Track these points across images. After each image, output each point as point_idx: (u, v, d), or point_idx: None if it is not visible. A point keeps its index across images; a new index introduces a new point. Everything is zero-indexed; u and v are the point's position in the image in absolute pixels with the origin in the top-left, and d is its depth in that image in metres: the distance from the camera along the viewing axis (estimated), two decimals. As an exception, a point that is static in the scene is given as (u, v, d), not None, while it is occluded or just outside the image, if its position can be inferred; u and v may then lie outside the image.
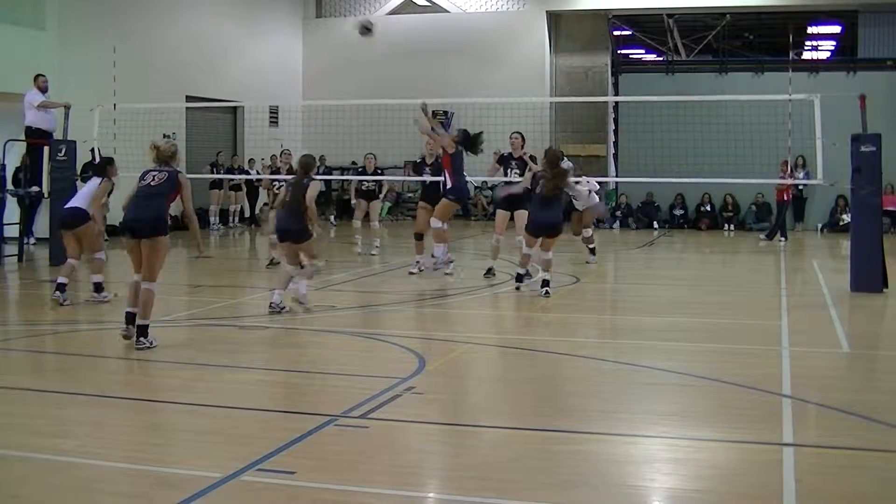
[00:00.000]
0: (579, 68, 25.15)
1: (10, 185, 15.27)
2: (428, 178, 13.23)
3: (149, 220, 7.78)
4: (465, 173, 12.01)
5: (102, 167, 10.56)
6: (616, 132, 24.94)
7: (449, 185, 11.73)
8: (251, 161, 22.67)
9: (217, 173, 21.05)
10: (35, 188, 15.02)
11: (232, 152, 23.26)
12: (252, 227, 22.10)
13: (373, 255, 15.08)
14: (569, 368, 7.45)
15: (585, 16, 24.94)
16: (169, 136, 16.10)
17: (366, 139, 20.31)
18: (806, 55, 28.20)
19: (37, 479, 4.67)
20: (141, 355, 7.54)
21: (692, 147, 19.20)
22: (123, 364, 7.51)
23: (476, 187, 23.86)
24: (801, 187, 21.44)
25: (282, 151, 15.28)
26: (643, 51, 28.86)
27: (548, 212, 10.90)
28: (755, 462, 5.01)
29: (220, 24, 23.15)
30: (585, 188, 14.59)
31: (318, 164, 10.36)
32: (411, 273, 12.74)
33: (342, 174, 22.65)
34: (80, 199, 10.35)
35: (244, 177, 21.55)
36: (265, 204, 18.05)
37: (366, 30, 20.36)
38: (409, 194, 25.17)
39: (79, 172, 14.84)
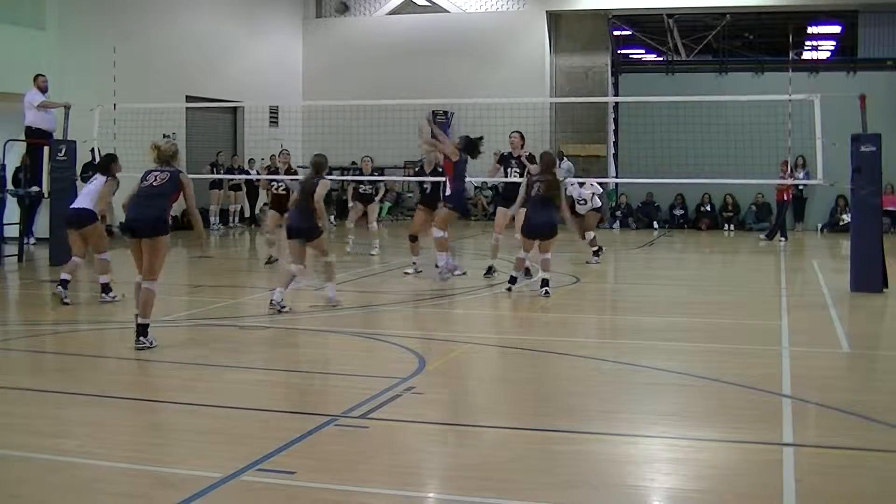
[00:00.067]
0: (579, 68, 25.15)
1: (10, 185, 15.28)
2: (427, 178, 13.24)
3: (150, 220, 7.79)
4: (466, 178, 11.98)
5: (106, 165, 10.53)
6: (616, 132, 24.93)
7: (448, 191, 11.70)
8: (251, 161, 22.67)
9: (217, 173, 21.05)
10: (35, 188, 15.02)
11: (232, 152, 23.26)
12: (252, 227, 22.10)
13: (372, 255, 15.08)
14: (569, 368, 7.45)
15: (585, 16, 24.94)
16: (169, 136, 16.10)
17: (366, 139, 20.30)
18: (806, 55, 28.21)
19: (37, 479, 4.67)
20: (141, 355, 7.54)
21: (692, 147, 19.19)
22: (123, 364, 7.51)
23: (476, 187, 23.86)
24: (801, 187, 21.42)
25: (280, 151, 15.28)
26: (643, 51, 28.86)
27: (542, 214, 10.90)
28: (755, 462, 5.01)
29: (220, 24, 23.15)
30: (589, 191, 14.61)
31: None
32: (406, 273, 12.74)
33: (342, 174, 22.65)
34: (86, 198, 10.31)
35: (244, 177, 21.54)
36: (265, 204, 18.06)
37: (344, 7, 20.32)
38: (409, 194, 25.17)
39: (79, 172, 14.84)
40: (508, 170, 12.72)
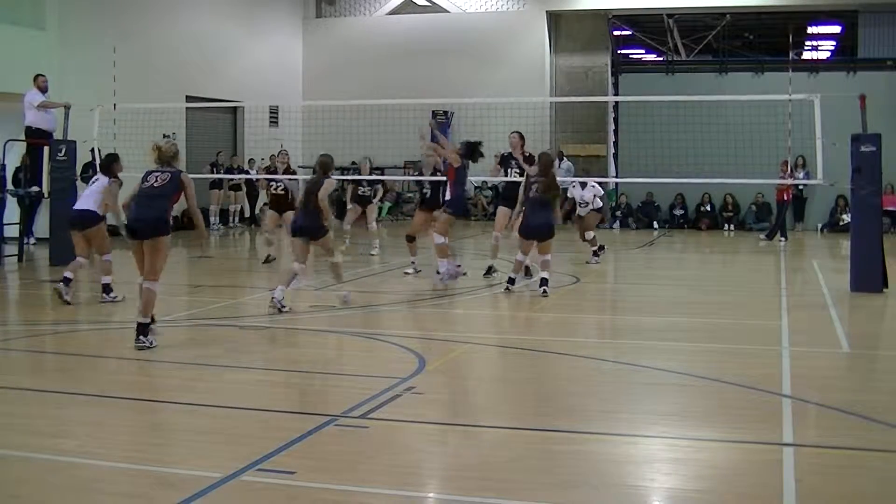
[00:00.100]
0: (579, 68, 25.15)
1: (10, 185, 15.28)
2: (427, 178, 13.24)
3: (151, 221, 7.79)
4: (466, 182, 11.98)
5: (108, 165, 10.50)
6: (616, 132, 24.92)
7: (448, 196, 11.69)
8: (251, 161, 22.67)
9: (217, 173, 21.05)
10: (35, 188, 15.02)
11: (232, 152, 23.26)
12: (252, 227, 22.10)
13: (372, 255, 15.09)
14: (569, 368, 7.45)
15: (585, 16, 24.94)
16: (169, 136, 16.11)
17: (366, 139, 20.31)
18: (806, 55, 28.21)
19: (37, 479, 4.67)
20: (141, 355, 7.54)
21: (692, 147, 19.18)
22: (123, 364, 7.51)
23: (476, 187, 23.86)
24: (801, 187, 21.43)
25: (279, 152, 15.29)
26: (643, 51, 28.86)
27: (540, 215, 10.90)
28: (755, 462, 5.01)
29: (220, 24, 23.15)
30: (591, 193, 14.61)
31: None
32: (406, 273, 12.75)
33: (342, 174, 22.63)
34: (89, 199, 10.28)
35: (244, 177, 21.54)
36: (265, 204, 18.04)
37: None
38: (409, 194, 25.16)
39: (79, 172, 14.84)
40: (508, 170, 12.72)
